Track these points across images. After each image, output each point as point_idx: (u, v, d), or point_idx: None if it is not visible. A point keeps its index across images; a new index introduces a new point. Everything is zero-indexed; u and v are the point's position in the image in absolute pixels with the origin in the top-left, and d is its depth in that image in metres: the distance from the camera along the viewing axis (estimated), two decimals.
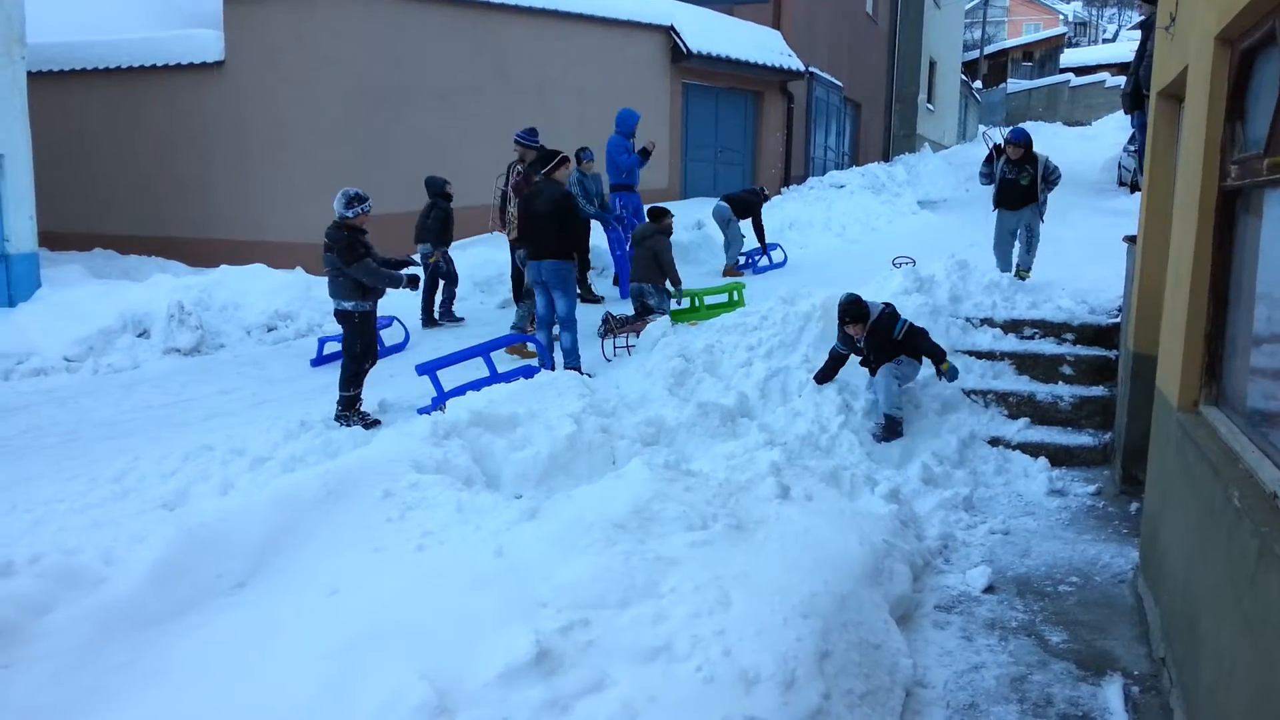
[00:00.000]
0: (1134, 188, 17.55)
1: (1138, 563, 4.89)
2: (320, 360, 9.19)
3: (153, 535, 4.14)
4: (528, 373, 7.01)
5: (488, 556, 3.84)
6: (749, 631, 3.40)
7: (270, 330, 10.33)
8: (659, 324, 8.09)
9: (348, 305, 7.13)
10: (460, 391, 6.75)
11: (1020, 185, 9.43)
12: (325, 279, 7.39)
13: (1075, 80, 44.77)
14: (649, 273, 9.48)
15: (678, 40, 16.78)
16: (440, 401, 6.80)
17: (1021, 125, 10.55)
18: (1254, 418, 3.35)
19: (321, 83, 13.31)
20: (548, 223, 7.87)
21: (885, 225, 16.37)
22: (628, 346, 8.58)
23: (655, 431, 6.31)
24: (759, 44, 18.29)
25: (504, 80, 14.77)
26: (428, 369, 7.17)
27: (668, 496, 4.48)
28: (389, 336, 9.51)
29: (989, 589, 4.77)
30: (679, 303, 9.62)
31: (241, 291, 10.60)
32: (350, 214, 7.09)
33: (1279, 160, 2.86)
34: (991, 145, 9.87)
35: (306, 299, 10.74)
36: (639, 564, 3.79)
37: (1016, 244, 9.64)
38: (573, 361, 7.91)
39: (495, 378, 7.17)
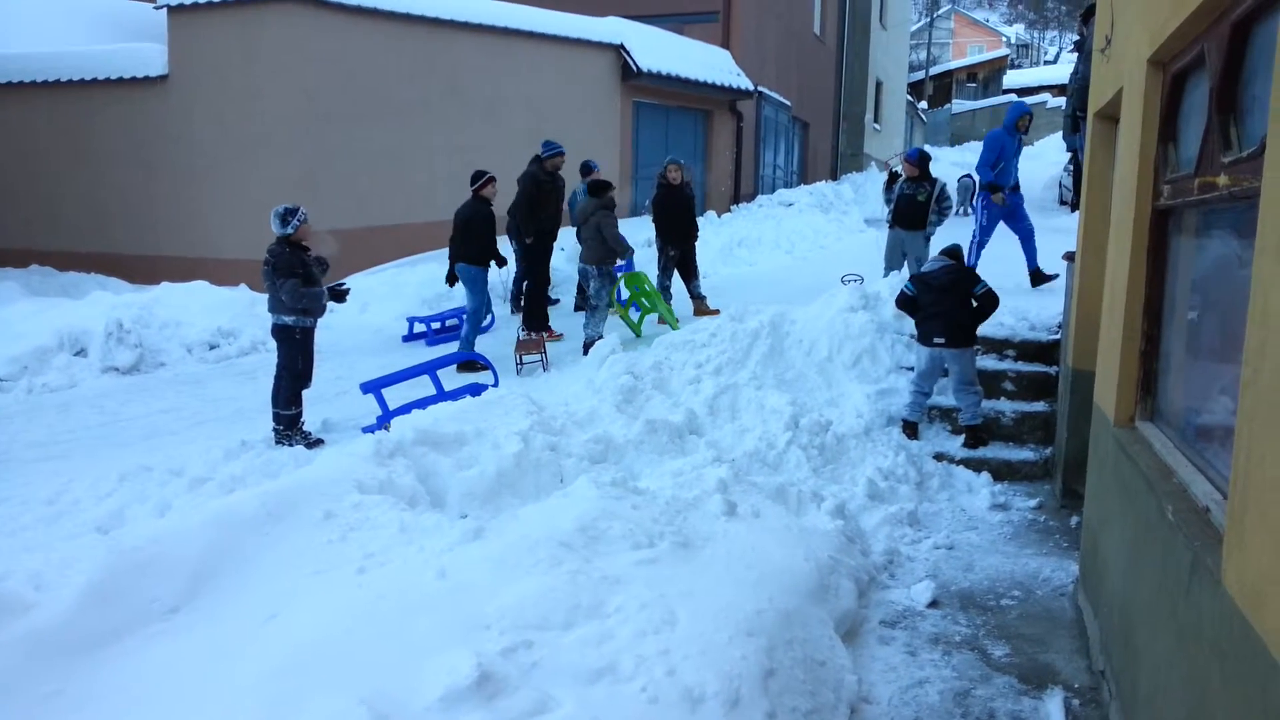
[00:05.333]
0: (1074, 207, 17.95)
1: (1078, 576, 4.96)
2: (410, 337, 10.63)
3: (84, 559, 4.02)
4: (474, 390, 6.95)
5: (430, 578, 3.78)
6: (694, 650, 3.38)
7: (212, 348, 10.14)
8: (606, 342, 8.06)
9: (288, 320, 7.01)
10: (406, 410, 6.67)
11: (917, 200, 9.73)
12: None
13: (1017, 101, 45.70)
14: (596, 252, 9.20)
15: (628, 58, 16.87)
16: (385, 420, 6.72)
17: (919, 147, 10.87)
18: (1187, 433, 3.42)
19: (268, 97, 13.15)
20: (460, 231, 9.20)
21: (834, 243, 16.55)
22: (543, 363, 8.80)
23: (604, 449, 6.28)
24: (709, 63, 18.46)
25: (454, 96, 14.72)
26: (372, 387, 7.08)
27: (614, 515, 4.46)
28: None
29: (933, 604, 4.81)
30: (630, 266, 9.44)
31: (183, 309, 10.40)
32: (288, 229, 7.00)
33: (1209, 180, 2.93)
34: (889, 171, 10.32)
35: (250, 316, 10.56)
36: (584, 583, 3.76)
37: (905, 269, 9.86)
38: (463, 350, 8.98)
39: (442, 396, 7.11)
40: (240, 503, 4.36)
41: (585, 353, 8.64)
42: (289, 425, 6.97)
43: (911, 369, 7.69)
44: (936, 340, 6.91)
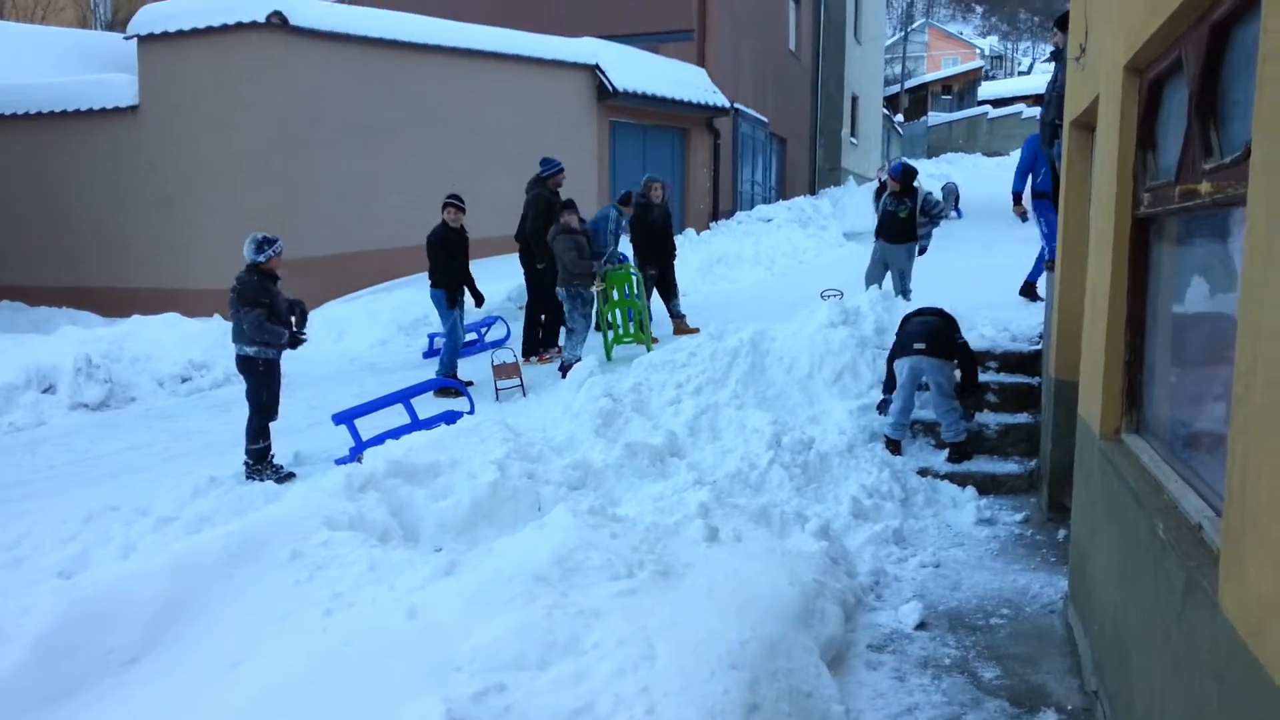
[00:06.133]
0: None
1: (1067, 592, 4.85)
2: (431, 353, 10.43)
3: (42, 608, 3.85)
4: (450, 418, 6.81)
5: (400, 619, 3.64)
6: (674, 687, 3.25)
7: (185, 381, 9.96)
8: (584, 364, 7.94)
9: (249, 350, 6.87)
10: (379, 440, 6.53)
11: (899, 217, 9.70)
12: None
13: (993, 112, 46.13)
14: (564, 276, 8.99)
15: (603, 78, 16.82)
16: (358, 451, 6.57)
17: (903, 160, 10.73)
18: (1174, 446, 3.33)
19: (240, 125, 13.03)
20: (427, 254, 9.13)
21: (813, 258, 16.52)
22: (521, 387, 8.65)
23: (582, 475, 6.16)
24: (684, 81, 18.45)
25: (428, 120, 14.62)
26: (344, 418, 6.93)
27: (592, 544, 4.33)
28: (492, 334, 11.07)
29: (921, 625, 4.69)
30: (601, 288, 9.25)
31: (154, 342, 10.23)
32: (261, 258, 6.88)
33: (1190, 188, 2.84)
34: (880, 180, 10.17)
35: (223, 347, 10.34)
36: (561, 619, 3.63)
37: (888, 282, 9.79)
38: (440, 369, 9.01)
39: (416, 425, 6.96)
40: (203, 545, 4.21)
41: (564, 375, 8.51)
42: (258, 459, 6.81)
43: None
44: (916, 346, 6.84)
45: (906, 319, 7.24)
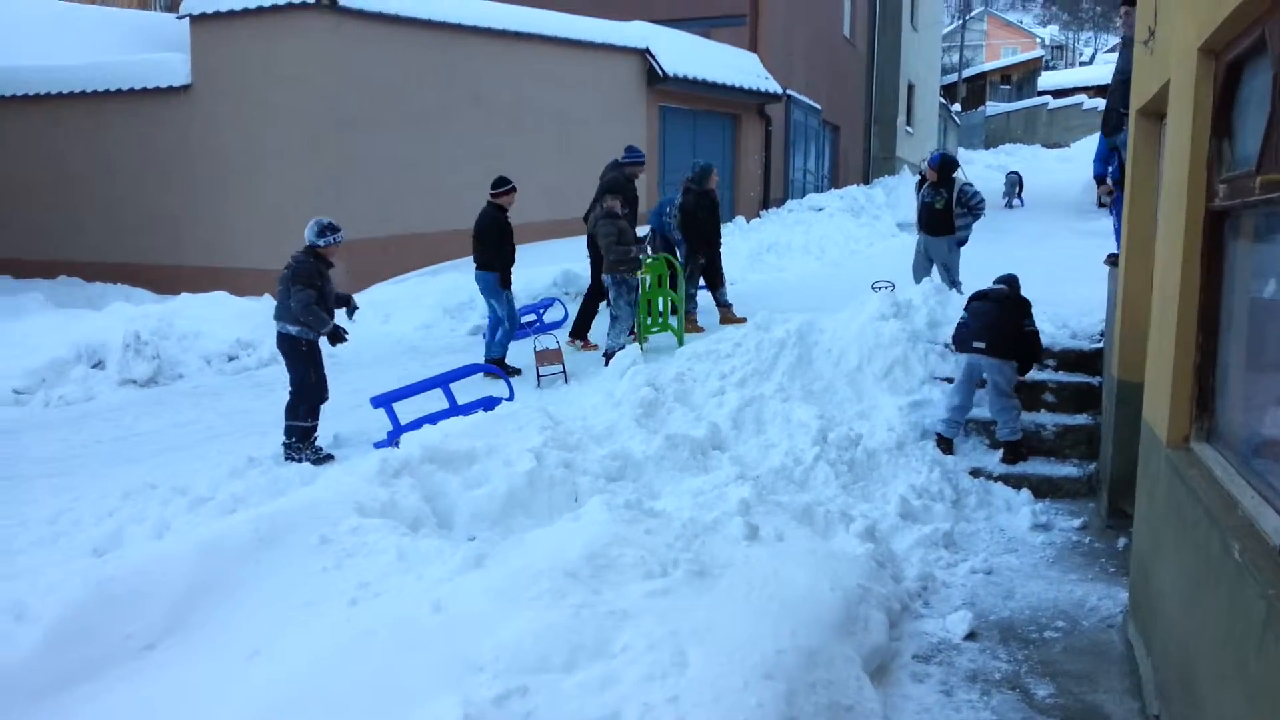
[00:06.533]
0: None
1: (1127, 606, 4.61)
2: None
3: (63, 587, 3.80)
4: (489, 404, 6.71)
5: (425, 611, 3.53)
6: (705, 697, 3.09)
7: (231, 359, 9.99)
8: (627, 353, 7.79)
9: (292, 330, 6.83)
10: (417, 425, 6.44)
11: (934, 208, 9.52)
12: None
13: (1053, 103, 45.04)
14: (609, 262, 8.71)
15: (653, 63, 16.60)
16: (396, 436, 6.49)
17: (942, 150, 10.34)
18: (1250, 457, 3.09)
19: (289, 106, 13.03)
20: (476, 238, 8.90)
21: (865, 248, 16.18)
22: (564, 374, 8.48)
23: (621, 466, 6.02)
24: (736, 66, 18.16)
25: (477, 103, 14.53)
26: (383, 401, 6.86)
27: (627, 540, 4.18)
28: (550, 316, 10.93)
29: (971, 635, 4.48)
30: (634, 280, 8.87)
31: (202, 320, 10.26)
32: (321, 242, 6.90)
33: (1274, 178, 2.61)
34: (920, 172, 9.92)
35: (270, 327, 10.33)
36: (589, 618, 3.49)
37: (937, 274, 9.50)
38: (494, 351, 8.91)
39: (455, 410, 6.87)
40: (231, 528, 4.14)
41: (607, 363, 8.37)
42: (302, 437, 6.77)
43: (948, 379, 7.36)
44: (975, 345, 6.58)
45: (973, 298, 6.92)
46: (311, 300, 6.73)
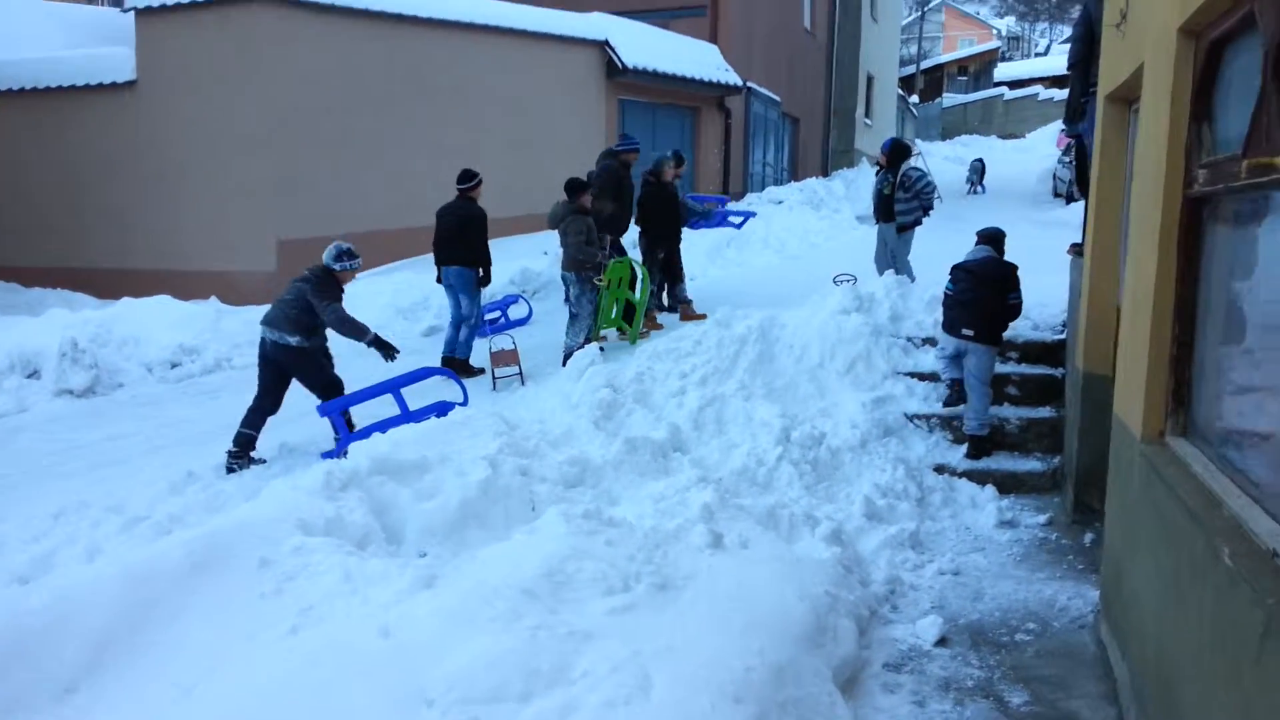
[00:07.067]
0: (1069, 199, 17.53)
1: (1098, 606, 4.50)
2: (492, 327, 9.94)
3: None
4: (441, 410, 6.47)
5: (371, 637, 3.31)
6: None
7: (174, 366, 9.62)
8: (586, 352, 7.58)
9: (291, 340, 6.62)
10: (366, 433, 6.19)
11: (882, 194, 9.52)
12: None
13: (1009, 94, 45.40)
14: (572, 259, 8.54)
15: (612, 55, 16.38)
16: (344, 445, 6.23)
17: (893, 137, 10.25)
18: (1231, 454, 2.96)
19: (236, 102, 12.65)
20: (455, 233, 8.68)
21: (825, 241, 16.04)
22: (520, 376, 8.31)
23: (580, 471, 5.81)
24: (696, 59, 17.97)
25: (433, 96, 14.22)
26: (330, 409, 6.59)
27: (586, 553, 3.99)
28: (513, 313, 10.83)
29: (941, 641, 4.34)
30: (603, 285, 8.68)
31: (143, 325, 9.87)
32: (338, 266, 6.85)
33: (1264, 162, 2.46)
34: (876, 162, 9.94)
35: (215, 331, 10.05)
36: (547, 641, 3.29)
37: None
38: (462, 352, 8.84)
39: (406, 416, 6.62)
40: (163, 552, 3.88)
41: (565, 363, 8.16)
42: (246, 446, 6.51)
43: (911, 374, 7.26)
44: (965, 332, 6.49)
45: (955, 268, 6.77)
46: (343, 311, 6.76)
